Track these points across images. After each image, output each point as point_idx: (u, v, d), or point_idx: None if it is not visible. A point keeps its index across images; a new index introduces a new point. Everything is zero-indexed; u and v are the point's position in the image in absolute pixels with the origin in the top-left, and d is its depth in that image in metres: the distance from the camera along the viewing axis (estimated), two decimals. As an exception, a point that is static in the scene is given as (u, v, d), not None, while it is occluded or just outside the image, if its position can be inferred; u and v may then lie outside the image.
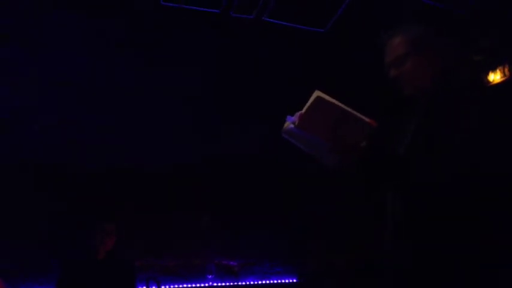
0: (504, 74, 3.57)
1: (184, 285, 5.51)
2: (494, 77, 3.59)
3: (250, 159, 5.42)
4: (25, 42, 3.55)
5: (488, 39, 3.65)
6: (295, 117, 1.68)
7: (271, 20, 3.44)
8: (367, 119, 1.64)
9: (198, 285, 5.55)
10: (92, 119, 4.66)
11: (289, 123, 1.69)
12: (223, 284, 5.63)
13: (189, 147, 5.24)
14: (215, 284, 5.60)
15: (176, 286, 5.48)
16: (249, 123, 4.87)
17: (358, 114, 1.64)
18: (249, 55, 3.88)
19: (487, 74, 3.62)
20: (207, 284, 5.58)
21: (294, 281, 5.84)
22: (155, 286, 4.47)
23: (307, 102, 1.65)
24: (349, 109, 1.64)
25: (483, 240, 1.59)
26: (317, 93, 1.63)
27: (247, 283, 5.70)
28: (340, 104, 1.63)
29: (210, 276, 5.61)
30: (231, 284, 5.66)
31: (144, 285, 4.64)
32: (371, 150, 1.67)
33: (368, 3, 3.33)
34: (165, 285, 5.37)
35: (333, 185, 4.50)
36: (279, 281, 5.79)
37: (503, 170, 1.66)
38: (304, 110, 1.65)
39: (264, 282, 5.75)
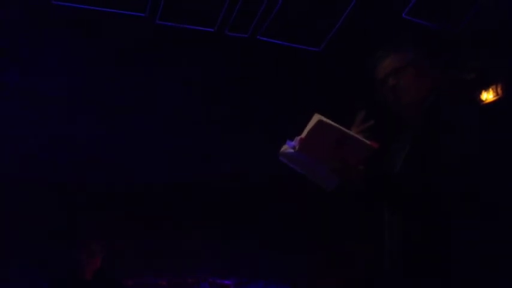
0: (497, 93, 3.60)
1: (178, 305, 5.43)
2: (487, 95, 3.62)
3: (243, 177, 5.40)
4: (18, 59, 3.55)
5: (480, 58, 3.69)
6: (295, 142, 1.68)
7: (266, 39, 3.47)
8: (368, 141, 1.65)
9: (191, 304, 5.47)
10: (85, 134, 4.65)
11: (288, 148, 1.69)
12: (217, 303, 5.56)
13: (182, 165, 5.22)
14: (209, 303, 5.54)
15: (169, 305, 5.41)
16: (242, 141, 4.87)
17: (359, 137, 1.65)
18: (243, 73, 3.90)
19: (480, 92, 3.65)
20: (200, 303, 5.51)
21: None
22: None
23: (306, 124, 1.66)
24: (349, 131, 1.65)
25: (481, 257, 1.60)
26: (318, 117, 1.64)
27: (242, 302, 5.64)
28: (340, 127, 1.64)
29: (203, 296, 5.55)
30: (225, 303, 5.59)
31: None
32: (370, 172, 1.68)
33: (363, 23, 3.37)
34: (158, 305, 5.30)
35: (330, 203, 4.48)
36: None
37: (497, 187, 1.68)
38: (305, 134, 1.66)
39: (258, 301, 5.69)
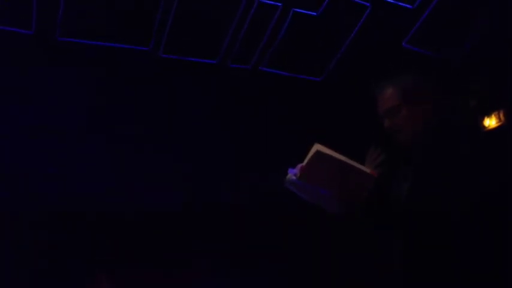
0: (499, 119, 3.61)
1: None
2: (490, 122, 3.63)
3: (243, 206, 5.38)
4: (23, 92, 3.62)
5: (481, 85, 3.71)
6: (297, 170, 1.72)
7: (268, 70, 3.51)
8: (367, 170, 1.68)
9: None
10: (92, 165, 4.67)
11: (291, 175, 1.73)
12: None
13: (184, 194, 5.21)
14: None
15: None
16: (244, 172, 4.88)
17: (358, 166, 1.68)
18: (246, 104, 3.93)
19: (483, 119, 3.66)
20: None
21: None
22: None
23: (307, 153, 1.69)
24: (349, 161, 1.67)
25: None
26: (316, 147, 1.67)
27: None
28: (339, 157, 1.67)
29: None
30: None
31: None
32: (373, 199, 1.70)
33: (363, 52, 3.41)
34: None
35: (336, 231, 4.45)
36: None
37: (500, 213, 1.68)
38: (304, 163, 1.69)
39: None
